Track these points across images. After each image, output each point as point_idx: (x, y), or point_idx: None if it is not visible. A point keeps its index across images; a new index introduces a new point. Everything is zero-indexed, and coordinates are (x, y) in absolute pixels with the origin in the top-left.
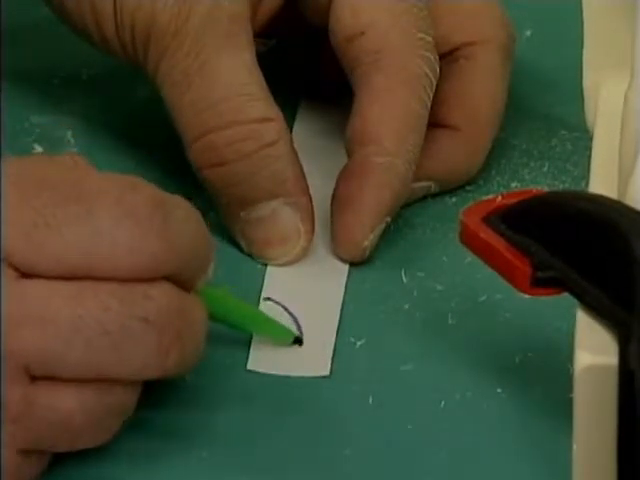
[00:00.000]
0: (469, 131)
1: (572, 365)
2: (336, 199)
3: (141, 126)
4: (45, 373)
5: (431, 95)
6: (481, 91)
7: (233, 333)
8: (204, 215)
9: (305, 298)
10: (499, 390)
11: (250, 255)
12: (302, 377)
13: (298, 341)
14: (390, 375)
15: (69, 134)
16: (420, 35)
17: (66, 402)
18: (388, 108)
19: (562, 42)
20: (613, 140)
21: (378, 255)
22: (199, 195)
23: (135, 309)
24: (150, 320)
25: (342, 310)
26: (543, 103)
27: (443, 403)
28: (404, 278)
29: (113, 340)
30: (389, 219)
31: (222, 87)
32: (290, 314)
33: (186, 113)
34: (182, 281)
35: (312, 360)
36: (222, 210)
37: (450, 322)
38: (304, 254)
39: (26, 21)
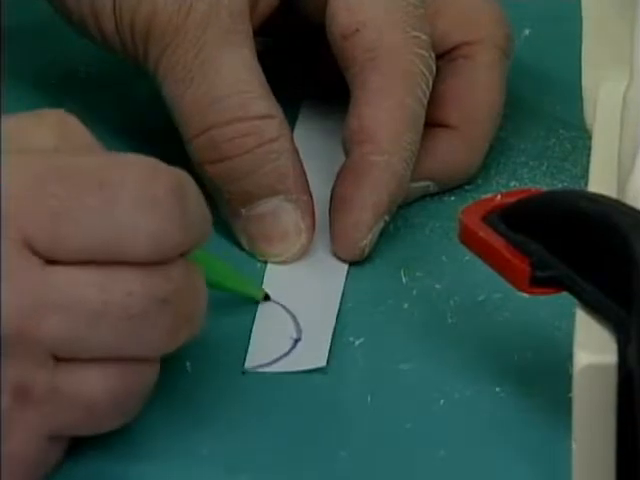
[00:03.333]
0: (468, 130)
1: (571, 364)
2: (334, 198)
3: (139, 125)
4: (69, 357)
5: (427, 93)
6: (479, 90)
7: (231, 333)
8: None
9: (304, 296)
10: (498, 389)
11: (250, 253)
12: (300, 374)
13: (267, 298)
14: (389, 374)
15: None
16: (415, 33)
17: (90, 385)
18: (383, 106)
19: (561, 41)
20: (612, 139)
21: (377, 254)
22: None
23: (156, 292)
24: (168, 300)
25: (341, 309)
26: (542, 102)
27: (442, 402)
28: (403, 277)
29: (135, 323)
30: (387, 218)
31: (223, 84)
32: (288, 312)
33: (187, 110)
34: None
35: (309, 354)
36: (223, 207)
37: (449, 321)
38: (304, 252)
39: (24, 20)
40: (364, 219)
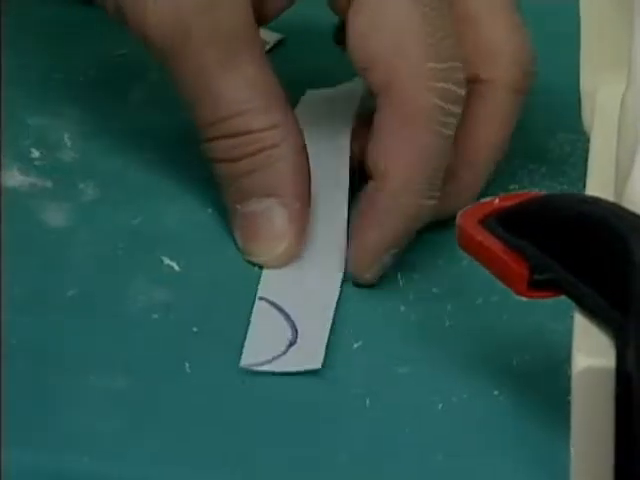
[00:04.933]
0: (465, 176)
1: (569, 367)
2: (350, 224)
3: (138, 129)
4: None
5: (451, 124)
6: (484, 132)
7: (226, 335)
8: (201, 213)
9: (300, 298)
10: (496, 392)
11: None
12: (297, 378)
13: None
14: (387, 377)
15: (66, 136)
16: (430, 65)
17: None
18: (395, 145)
19: (559, 44)
20: (610, 143)
21: None
22: (196, 194)
23: None
24: None
25: (338, 312)
26: (541, 105)
27: (440, 405)
28: (400, 280)
29: None
30: (395, 251)
31: (227, 106)
32: (284, 313)
33: (197, 122)
34: None
35: (305, 355)
36: (226, 204)
37: (447, 324)
38: (289, 257)
39: (24, 22)
40: (367, 256)
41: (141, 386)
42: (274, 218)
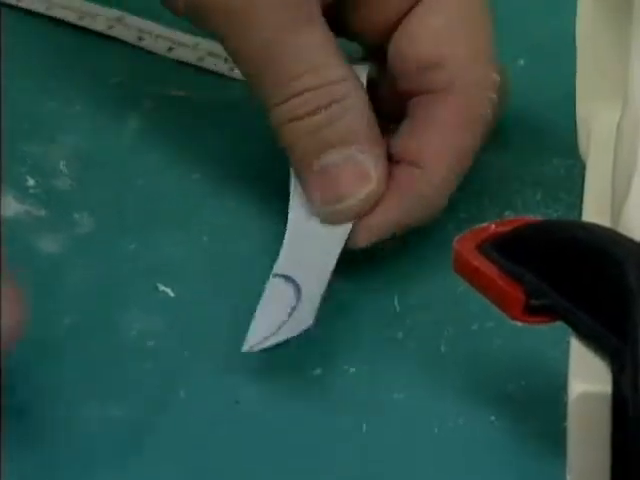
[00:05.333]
0: (432, 172)
1: (566, 393)
2: None
3: (134, 157)
4: None
5: (485, 137)
6: (451, 133)
7: (222, 360)
8: (196, 240)
9: (306, 264)
10: (492, 418)
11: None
12: (293, 402)
13: None
14: (383, 403)
15: (62, 164)
16: (493, 75)
17: None
18: (447, 143)
19: (556, 71)
20: (606, 169)
21: (371, 283)
22: (191, 222)
23: None
24: None
25: (336, 337)
26: (536, 130)
27: (436, 430)
28: (397, 306)
29: None
30: (397, 234)
31: (300, 64)
32: (292, 282)
33: (267, 85)
34: None
35: (300, 319)
36: (295, 165)
37: (443, 350)
38: (374, 200)
39: (20, 49)
40: (375, 231)
41: (137, 413)
42: (356, 165)
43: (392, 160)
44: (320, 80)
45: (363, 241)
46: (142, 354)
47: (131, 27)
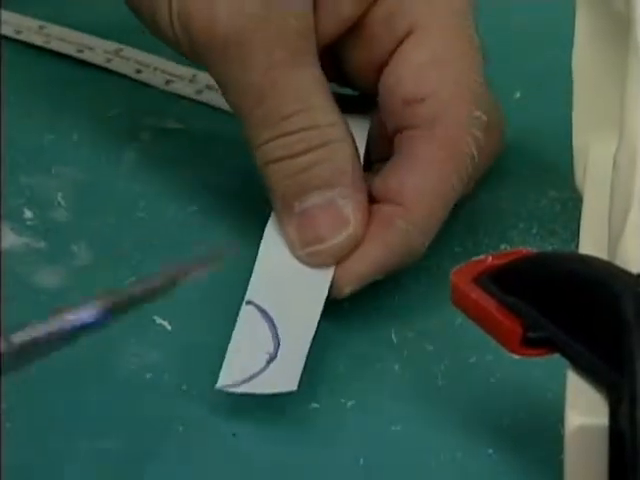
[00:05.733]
0: (415, 213)
1: (563, 426)
2: None
3: (132, 189)
4: None
5: (469, 176)
6: (434, 178)
7: (219, 394)
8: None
9: (286, 302)
10: (490, 451)
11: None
12: (290, 435)
13: None
14: (380, 436)
15: (59, 196)
16: (477, 113)
17: None
18: (429, 181)
19: (552, 103)
20: (603, 201)
21: (368, 316)
22: (188, 254)
23: None
24: None
25: (332, 370)
26: (532, 163)
27: (433, 464)
28: (394, 338)
29: None
30: (380, 277)
31: (293, 103)
32: (268, 319)
33: (257, 123)
34: None
35: (283, 374)
36: (276, 205)
37: (440, 383)
38: (353, 244)
39: (17, 82)
40: (360, 271)
41: (134, 447)
42: (339, 208)
43: (375, 201)
44: (310, 122)
45: (347, 287)
46: (140, 387)
47: (129, 60)
